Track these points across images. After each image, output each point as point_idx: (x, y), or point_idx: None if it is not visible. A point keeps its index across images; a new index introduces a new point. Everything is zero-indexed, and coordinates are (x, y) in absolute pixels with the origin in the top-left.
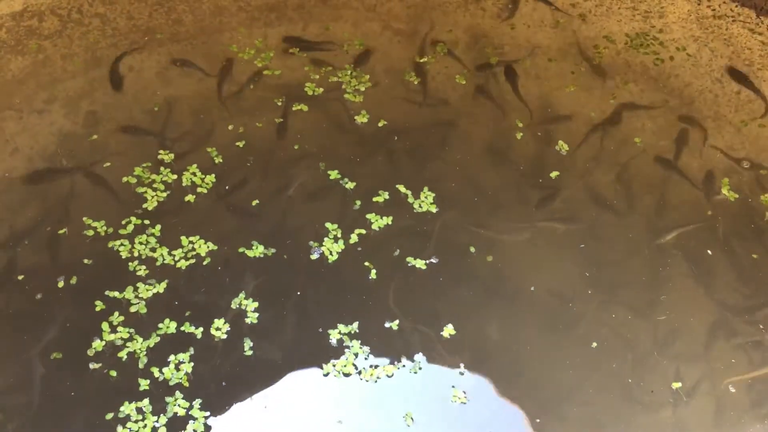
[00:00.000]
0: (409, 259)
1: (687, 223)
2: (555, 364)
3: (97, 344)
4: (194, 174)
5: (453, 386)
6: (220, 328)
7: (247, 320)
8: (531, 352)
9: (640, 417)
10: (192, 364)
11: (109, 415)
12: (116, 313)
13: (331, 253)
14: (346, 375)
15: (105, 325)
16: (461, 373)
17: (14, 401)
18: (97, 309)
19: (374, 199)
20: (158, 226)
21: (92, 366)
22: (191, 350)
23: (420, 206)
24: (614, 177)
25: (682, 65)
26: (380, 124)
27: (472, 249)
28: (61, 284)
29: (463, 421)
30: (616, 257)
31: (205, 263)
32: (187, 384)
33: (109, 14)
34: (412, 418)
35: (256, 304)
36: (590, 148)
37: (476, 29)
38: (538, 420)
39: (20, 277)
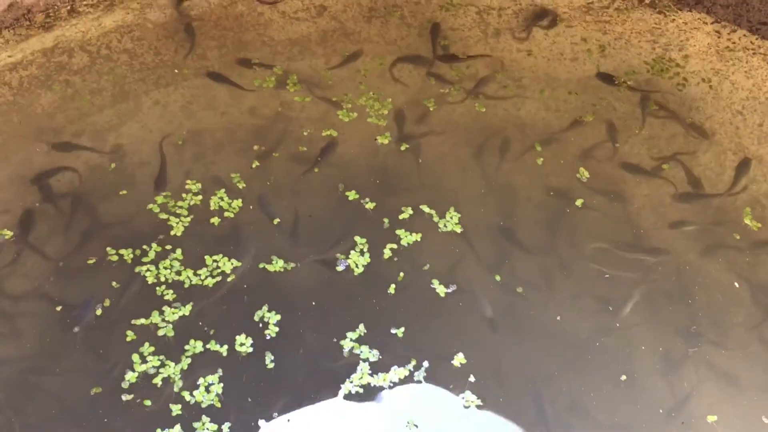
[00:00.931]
0: (434, 281)
1: (715, 253)
2: (580, 396)
3: (131, 376)
4: (221, 198)
5: (462, 395)
6: (244, 344)
7: (268, 333)
8: (553, 383)
9: None
10: (222, 384)
11: None
12: (146, 344)
13: (356, 266)
14: (363, 386)
15: (135, 357)
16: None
17: None
18: (128, 339)
19: (400, 217)
20: (179, 250)
21: (125, 398)
22: (219, 371)
23: (445, 226)
24: (638, 206)
25: (702, 98)
26: (402, 148)
27: (498, 278)
28: (99, 311)
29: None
30: (641, 286)
31: (229, 280)
32: (219, 405)
33: (137, 50)
34: (415, 425)
35: (278, 317)
36: (613, 177)
37: (495, 62)
38: None
39: (58, 308)
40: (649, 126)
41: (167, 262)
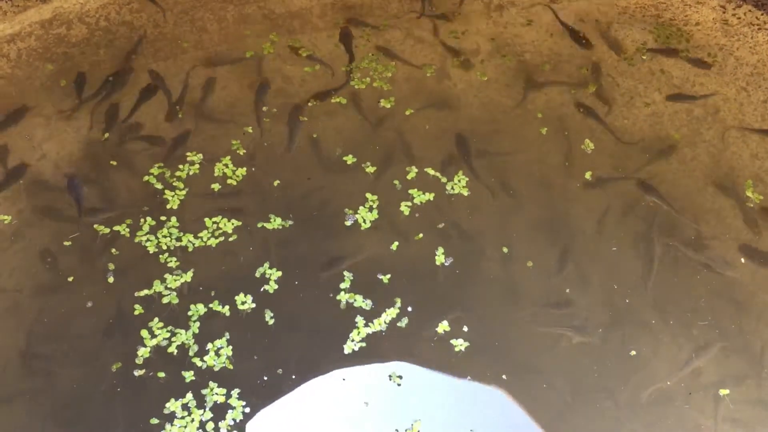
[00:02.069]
0: (440, 250)
1: (724, 231)
2: (585, 371)
3: (143, 352)
4: (226, 165)
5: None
6: (245, 302)
7: (268, 289)
8: (555, 361)
9: (676, 420)
10: (231, 347)
11: (154, 421)
12: (156, 319)
13: (364, 221)
14: (362, 339)
15: (145, 332)
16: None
17: (68, 415)
18: (136, 313)
19: (408, 177)
20: (174, 218)
21: (137, 373)
22: (227, 335)
23: (452, 188)
24: (643, 176)
25: (706, 74)
26: (407, 113)
27: (505, 249)
28: (111, 279)
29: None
30: (650, 263)
31: (231, 239)
32: (231, 366)
33: (135, 22)
34: (399, 377)
35: (279, 274)
36: (618, 149)
37: (498, 38)
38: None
39: (70, 279)
40: (653, 104)
41: (165, 230)
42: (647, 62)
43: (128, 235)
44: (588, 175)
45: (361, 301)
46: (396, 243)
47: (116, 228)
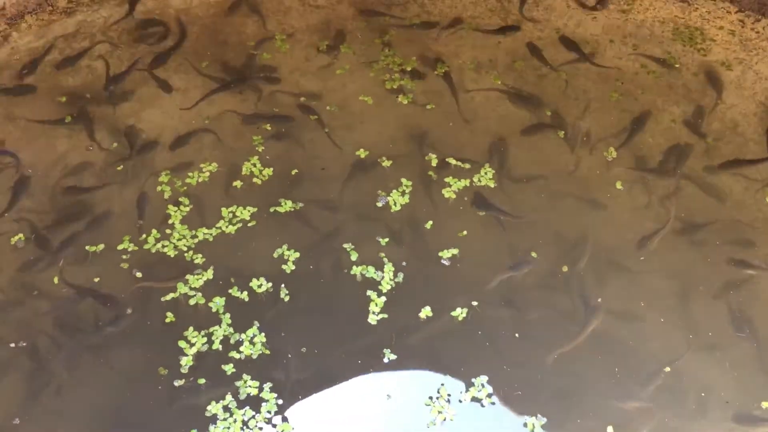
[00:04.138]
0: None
1: (747, 239)
2: (601, 378)
3: (186, 360)
4: (254, 165)
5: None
6: (263, 285)
7: (285, 269)
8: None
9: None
10: (263, 333)
11: (194, 430)
12: (190, 328)
13: (395, 204)
14: (381, 312)
15: (182, 343)
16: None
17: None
18: (167, 321)
19: (433, 164)
20: (178, 226)
21: (177, 383)
22: (256, 323)
23: (479, 180)
24: (674, 188)
25: (725, 88)
26: (428, 107)
27: (534, 254)
28: (139, 274)
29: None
30: (682, 266)
31: (250, 225)
32: (268, 352)
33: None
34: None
35: (297, 255)
36: (643, 161)
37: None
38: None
39: (96, 280)
40: (670, 116)
41: (176, 234)
42: (666, 77)
43: (136, 249)
44: (618, 185)
45: (373, 272)
46: (431, 221)
47: (122, 244)
